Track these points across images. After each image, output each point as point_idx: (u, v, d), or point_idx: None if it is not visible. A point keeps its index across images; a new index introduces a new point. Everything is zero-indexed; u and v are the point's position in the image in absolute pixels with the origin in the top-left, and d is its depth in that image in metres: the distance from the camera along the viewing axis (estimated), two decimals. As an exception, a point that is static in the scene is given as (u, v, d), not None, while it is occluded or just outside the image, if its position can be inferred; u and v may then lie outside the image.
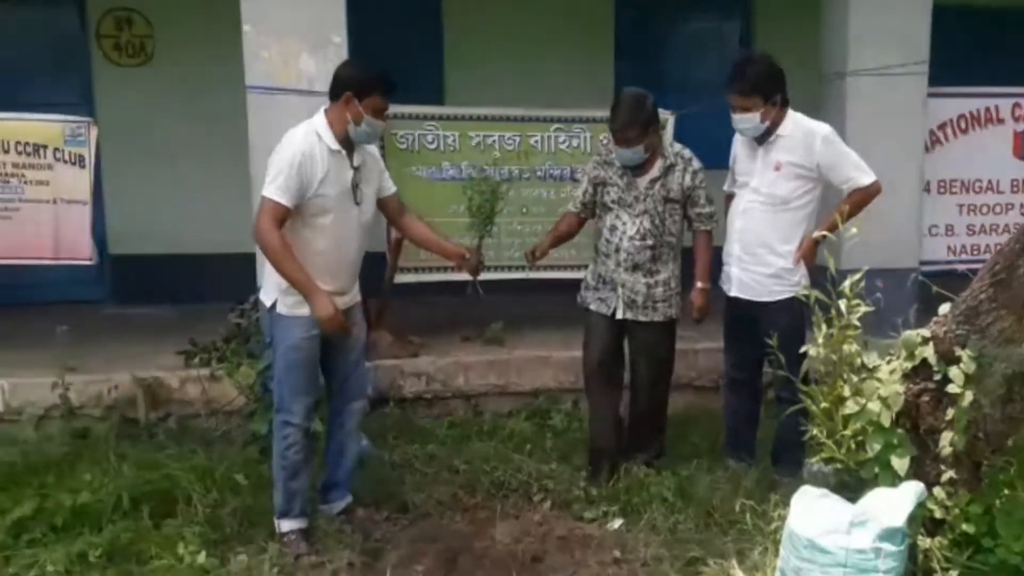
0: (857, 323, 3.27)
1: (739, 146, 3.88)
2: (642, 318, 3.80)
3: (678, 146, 3.87)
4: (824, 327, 3.29)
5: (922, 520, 2.85)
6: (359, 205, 3.35)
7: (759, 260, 3.75)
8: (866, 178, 3.66)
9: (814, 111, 5.41)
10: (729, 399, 4.05)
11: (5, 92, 5.93)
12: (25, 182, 4.69)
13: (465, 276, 3.80)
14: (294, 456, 3.36)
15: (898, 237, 4.99)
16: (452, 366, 4.64)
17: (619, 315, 3.80)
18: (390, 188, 3.55)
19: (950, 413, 2.91)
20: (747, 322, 3.80)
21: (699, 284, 3.84)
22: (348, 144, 3.30)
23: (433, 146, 4.99)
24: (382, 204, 3.54)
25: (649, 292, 3.78)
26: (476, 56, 6.44)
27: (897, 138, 5.10)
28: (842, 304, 3.26)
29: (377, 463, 4.01)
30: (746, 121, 3.67)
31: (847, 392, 3.18)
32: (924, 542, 2.83)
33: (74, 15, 6.23)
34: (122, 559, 3.26)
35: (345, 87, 3.25)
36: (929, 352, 3.05)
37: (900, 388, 3.06)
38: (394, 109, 4.87)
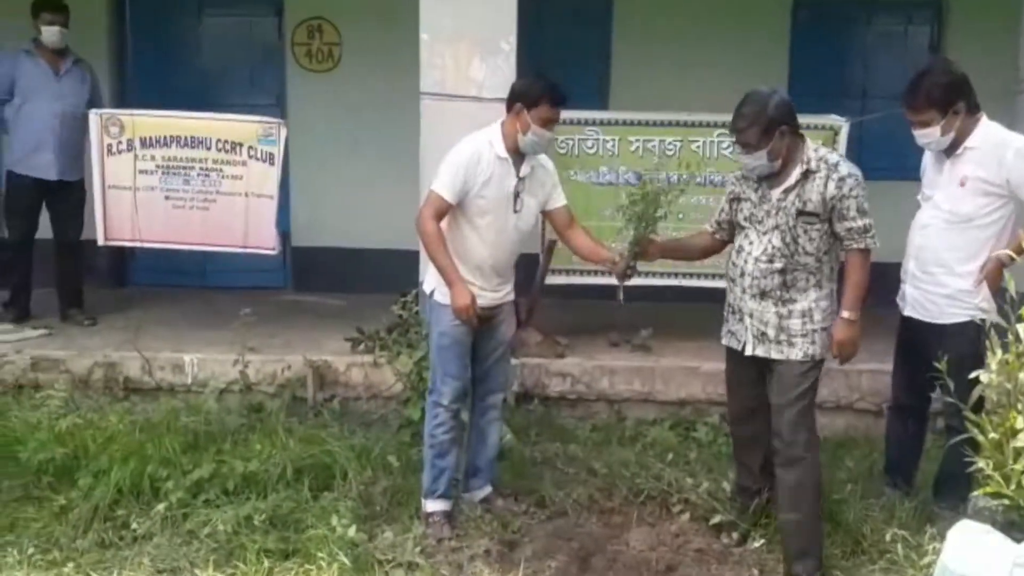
0: (1037, 350, 3.02)
1: (928, 157, 3.63)
2: (775, 355, 3.26)
3: (824, 150, 3.29)
4: (999, 353, 3.07)
5: (1099, 570, 2.58)
6: (517, 213, 3.50)
7: (934, 280, 3.50)
8: None
9: (1009, 122, 5.01)
10: (893, 424, 3.84)
11: (210, 94, 6.56)
12: (223, 176, 5.10)
13: (613, 280, 3.80)
14: (442, 435, 3.57)
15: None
16: (597, 369, 4.65)
17: (748, 350, 3.32)
18: (559, 201, 3.65)
19: None
20: (919, 344, 3.55)
21: (843, 314, 3.24)
22: (518, 154, 3.46)
23: (592, 151, 5.03)
24: (550, 216, 3.68)
25: (781, 324, 3.24)
26: (644, 60, 6.41)
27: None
28: (1021, 329, 3.03)
29: (519, 456, 4.11)
30: (926, 136, 3.45)
31: (1021, 424, 2.95)
32: (1099, 594, 2.57)
33: (273, 25, 6.75)
34: (282, 526, 3.52)
35: (516, 99, 3.45)
36: (1119, 387, 2.77)
37: (1083, 424, 2.80)
38: (554, 113, 5.02)
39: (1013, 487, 2.88)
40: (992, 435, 3.02)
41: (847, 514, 3.51)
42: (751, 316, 3.31)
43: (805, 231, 3.20)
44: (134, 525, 3.55)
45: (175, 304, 5.92)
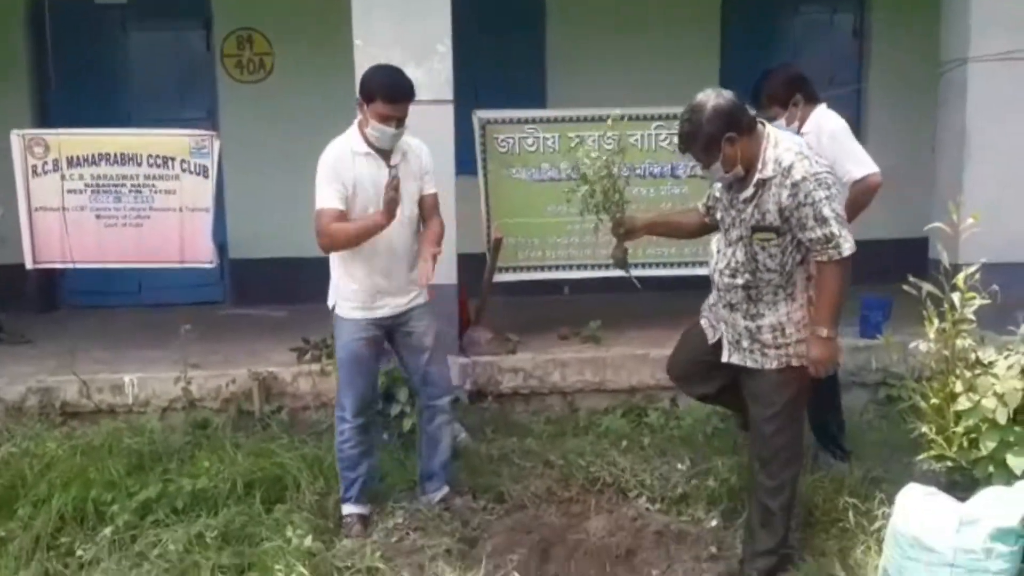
0: (972, 317, 3.13)
1: None
2: (750, 363, 3.05)
3: (783, 147, 2.91)
4: (936, 321, 3.17)
5: (1040, 521, 2.67)
6: (399, 202, 3.38)
7: None
8: (860, 170, 3.64)
9: (933, 101, 5.20)
10: None
11: (139, 109, 6.42)
12: (155, 192, 4.99)
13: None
14: (349, 450, 3.56)
15: (1021, 229, 4.68)
16: (549, 363, 4.65)
17: (724, 356, 3.13)
18: (429, 189, 3.56)
19: (1073, 408, 2.75)
20: None
21: (818, 331, 2.92)
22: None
23: (533, 148, 5.06)
24: (418, 201, 3.55)
25: (753, 336, 3.03)
26: (578, 57, 6.48)
27: (1021, 126, 4.80)
28: (955, 297, 3.13)
29: (475, 455, 4.09)
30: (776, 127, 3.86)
31: (960, 388, 3.05)
32: (1042, 544, 2.66)
33: (202, 37, 6.64)
34: (236, 541, 3.43)
35: (358, 93, 3.37)
36: (1050, 345, 2.88)
37: (1018, 384, 2.93)
38: (494, 114, 5.03)
39: (955, 449, 2.98)
40: (933, 400, 3.12)
41: (799, 486, 3.55)
42: (725, 323, 3.14)
43: (763, 247, 2.95)
44: (79, 552, 3.42)
45: (110, 324, 5.75)
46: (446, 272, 4.57)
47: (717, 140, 2.89)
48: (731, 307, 3.08)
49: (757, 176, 2.91)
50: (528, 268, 5.06)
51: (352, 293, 3.46)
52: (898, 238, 5.52)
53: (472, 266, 4.96)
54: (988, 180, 4.77)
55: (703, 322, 3.28)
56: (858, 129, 6.74)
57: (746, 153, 2.92)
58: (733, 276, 3.03)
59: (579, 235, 4.99)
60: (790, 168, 2.85)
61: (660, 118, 5.09)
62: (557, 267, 5.10)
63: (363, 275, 3.44)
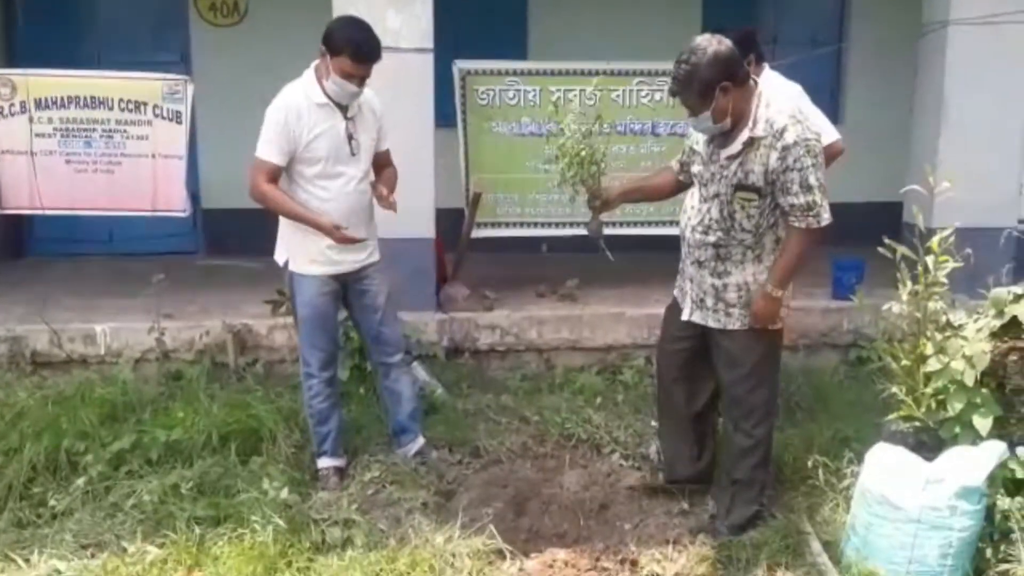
0: (944, 280, 3.17)
1: None
2: (712, 323, 3.06)
3: (775, 108, 2.86)
4: (909, 284, 3.21)
5: (1003, 481, 2.76)
6: (355, 156, 3.36)
7: None
8: (825, 138, 3.50)
9: (914, 63, 5.20)
10: None
11: (110, 52, 6.24)
12: (127, 137, 4.89)
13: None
14: (319, 405, 3.55)
15: (995, 194, 4.74)
16: (525, 320, 4.66)
17: (685, 315, 3.14)
18: (385, 145, 3.54)
19: (1039, 372, 2.81)
20: None
21: (767, 286, 2.93)
22: None
23: (514, 101, 5.00)
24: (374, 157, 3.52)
25: (718, 294, 3.04)
26: (560, 9, 6.39)
27: (999, 91, 4.83)
28: (929, 260, 3.17)
29: (451, 409, 4.11)
30: None
31: (930, 350, 3.11)
32: (1004, 502, 2.74)
33: (173, -22, 6.45)
34: (211, 492, 3.42)
35: (323, 41, 3.25)
36: (1019, 310, 2.95)
37: (987, 346, 2.98)
38: (474, 65, 4.96)
39: (923, 410, 3.04)
40: (903, 362, 3.18)
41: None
42: (691, 280, 3.13)
43: (743, 207, 2.92)
44: (52, 502, 3.40)
45: (81, 273, 5.66)
46: (423, 226, 4.56)
47: (712, 87, 2.81)
48: (699, 264, 3.07)
49: (748, 134, 2.86)
50: (507, 224, 5.04)
51: (308, 249, 3.36)
52: (873, 201, 5.57)
53: (450, 221, 4.94)
54: (964, 144, 4.81)
55: (676, 292, 3.28)
56: (838, 89, 6.77)
57: (737, 106, 2.86)
58: (705, 233, 3.01)
59: (558, 192, 4.94)
60: (782, 131, 2.81)
61: (641, 74, 5.05)
62: (536, 224, 5.09)
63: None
